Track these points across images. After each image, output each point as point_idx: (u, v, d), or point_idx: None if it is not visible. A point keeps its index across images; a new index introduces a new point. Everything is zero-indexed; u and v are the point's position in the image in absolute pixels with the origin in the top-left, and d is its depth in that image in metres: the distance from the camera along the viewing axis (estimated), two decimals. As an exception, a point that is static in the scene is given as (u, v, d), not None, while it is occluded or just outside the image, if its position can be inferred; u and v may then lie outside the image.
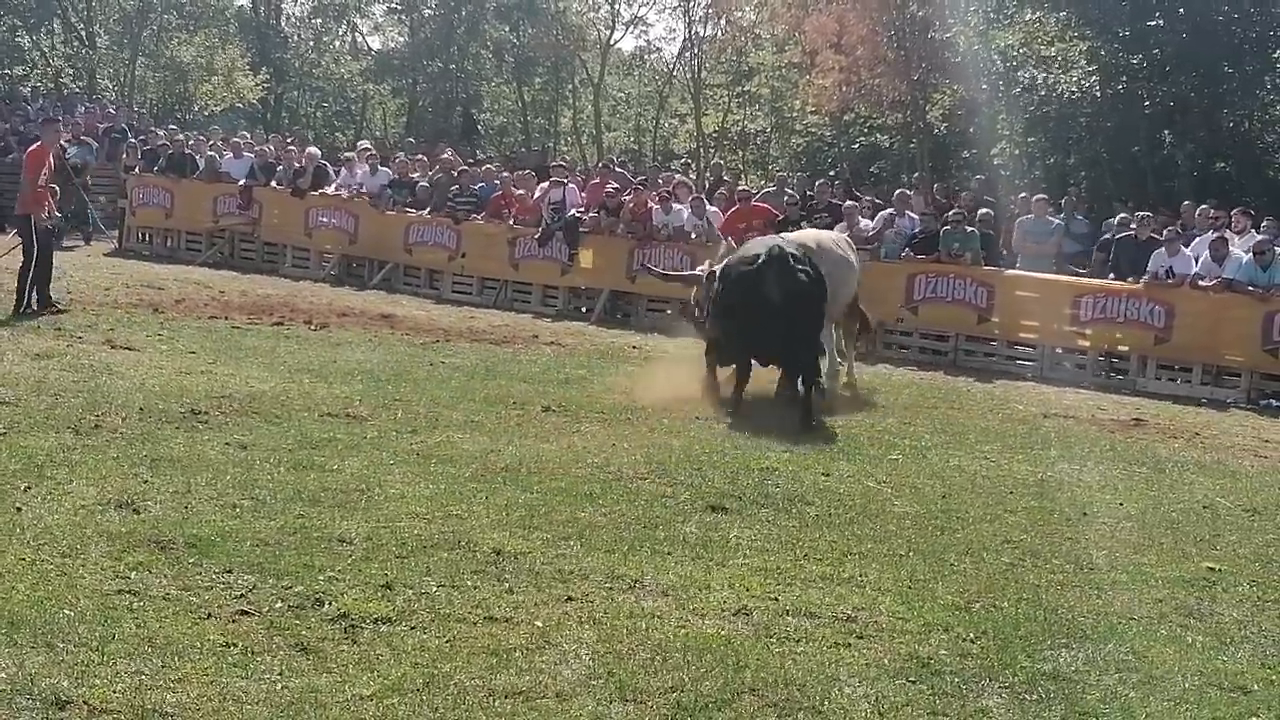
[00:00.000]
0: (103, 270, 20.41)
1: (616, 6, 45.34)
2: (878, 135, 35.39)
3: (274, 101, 44.48)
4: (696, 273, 14.23)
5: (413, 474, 8.76)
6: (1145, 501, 9.81)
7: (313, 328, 15.95)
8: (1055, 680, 5.97)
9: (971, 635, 6.46)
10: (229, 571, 6.51)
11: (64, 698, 5.04)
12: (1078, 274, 17.69)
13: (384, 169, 23.22)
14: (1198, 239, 17.05)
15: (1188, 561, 8.18)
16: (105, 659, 5.41)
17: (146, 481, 8.03)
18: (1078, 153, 26.87)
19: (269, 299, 18.48)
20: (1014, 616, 6.80)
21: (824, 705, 5.53)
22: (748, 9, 40.01)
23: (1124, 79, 25.70)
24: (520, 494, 8.45)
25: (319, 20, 47.98)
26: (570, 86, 47.00)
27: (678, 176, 24.57)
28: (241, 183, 23.44)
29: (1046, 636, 6.53)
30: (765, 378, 12.83)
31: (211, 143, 25.71)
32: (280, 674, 5.43)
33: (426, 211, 21.82)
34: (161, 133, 26.99)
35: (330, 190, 22.98)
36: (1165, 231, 17.03)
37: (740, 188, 21.39)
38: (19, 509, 7.29)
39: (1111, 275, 16.95)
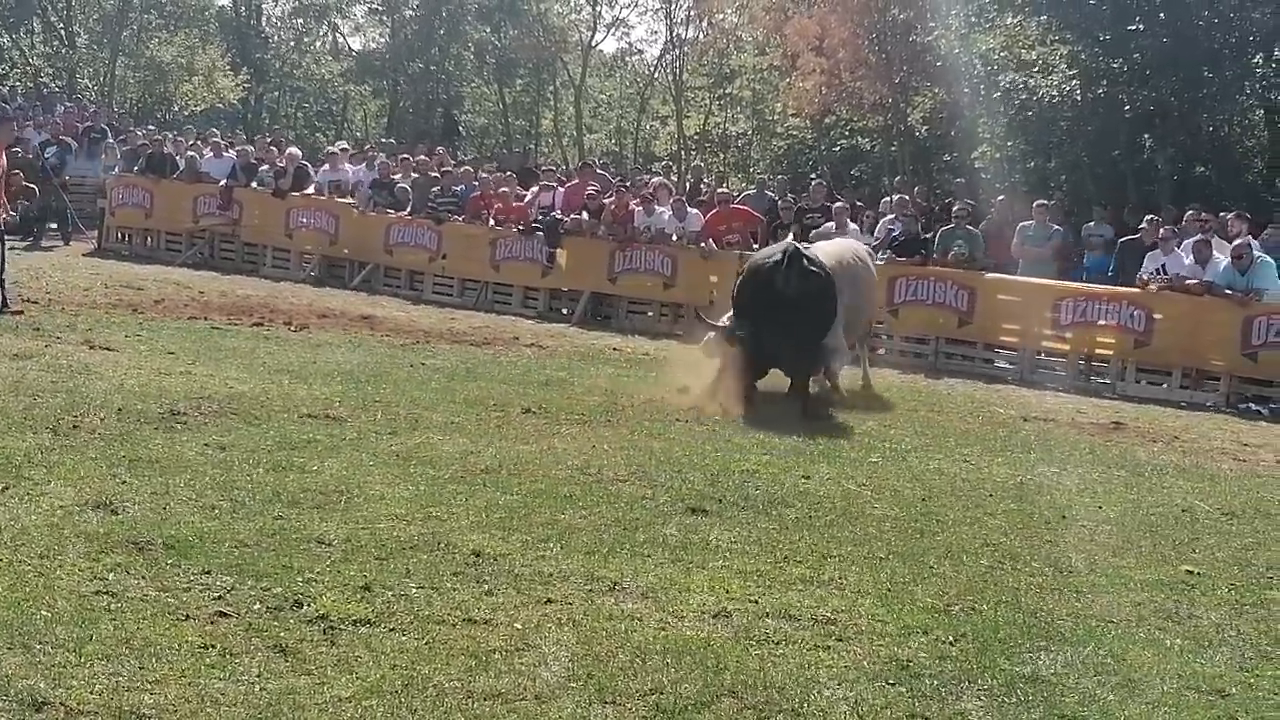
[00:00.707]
0: (82, 270, 20.35)
1: (598, 8, 45.43)
2: (859, 138, 35.47)
3: (254, 102, 44.46)
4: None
5: (392, 475, 8.74)
6: (1124, 505, 9.83)
7: (293, 329, 15.92)
8: (1034, 683, 5.97)
9: (951, 638, 6.46)
10: (207, 573, 6.48)
11: (41, 699, 5.01)
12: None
13: (367, 170, 23.24)
14: (1185, 242, 17.14)
15: (1166, 565, 8.19)
16: (82, 660, 5.38)
17: (125, 482, 7.99)
18: (1058, 156, 26.90)
19: (249, 300, 18.44)
20: (993, 619, 6.81)
21: (803, 707, 5.52)
22: (729, 11, 40.07)
23: (1104, 83, 25.73)
24: (500, 496, 8.44)
25: (300, 20, 47.99)
26: (551, 88, 47.08)
27: (659, 178, 24.62)
28: (222, 183, 23.40)
29: (1025, 639, 6.53)
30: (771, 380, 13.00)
31: (191, 143, 25.67)
32: (258, 675, 5.40)
33: (407, 213, 21.82)
34: (141, 133, 26.95)
35: (314, 185, 22.96)
36: (1161, 231, 17.10)
37: (720, 190, 21.44)
38: (-4, 510, 7.26)
39: (1118, 279, 17.05)
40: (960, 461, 10.97)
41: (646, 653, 5.95)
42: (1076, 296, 16.95)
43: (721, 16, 40.53)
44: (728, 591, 6.89)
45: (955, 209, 18.93)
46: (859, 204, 20.78)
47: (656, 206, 20.02)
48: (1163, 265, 16.54)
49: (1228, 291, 15.83)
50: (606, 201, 20.52)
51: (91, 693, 5.11)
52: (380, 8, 46.98)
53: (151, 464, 8.46)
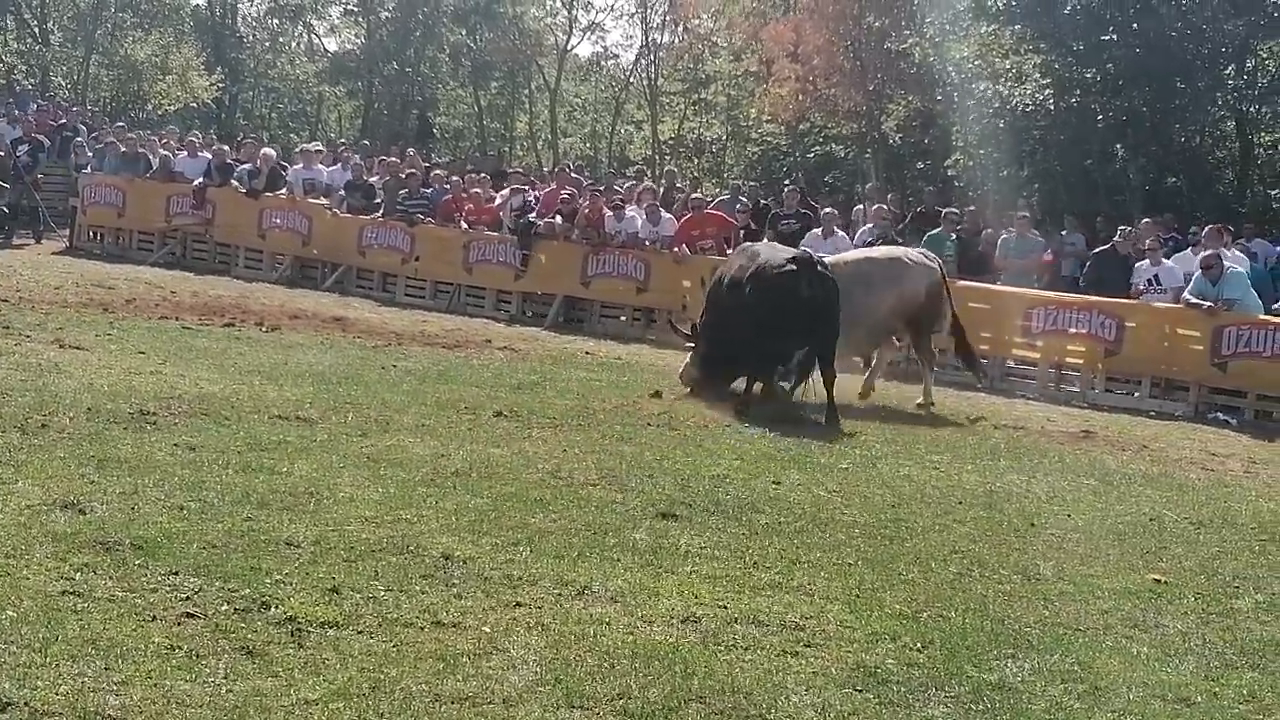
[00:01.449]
0: (53, 269, 20.25)
1: (574, 12, 45.44)
2: (833, 145, 35.60)
3: (229, 102, 44.32)
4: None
5: (362, 478, 8.72)
6: (1093, 513, 9.87)
7: (264, 329, 15.86)
8: (1001, 690, 6.00)
9: (919, 644, 6.48)
10: (175, 574, 6.46)
11: (6, 699, 4.98)
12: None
13: (341, 170, 23.21)
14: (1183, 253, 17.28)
15: (1134, 573, 8.23)
16: (48, 660, 5.35)
17: (93, 482, 7.95)
18: (1031, 165, 27.05)
19: (221, 300, 18.38)
20: (961, 626, 6.83)
21: (771, 713, 5.53)
22: (705, 16, 40.15)
23: (1077, 92, 25.90)
24: (470, 499, 8.43)
25: (275, 21, 47.92)
26: (527, 91, 47.06)
27: (645, 182, 24.60)
28: (196, 183, 23.31)
29: (993, 646, 6.55)
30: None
31: (164, 141, 25.57)
32: (225, 677, 5.39)
33: (379, 215, 21.78)
34: (111, 131, 26.84)
35: (288, 185, 22.90)
36: (1148, 241, 17.17)
37: (694, 195, 21.47)
38: (-37, 509, 7.22)
39: (1089, 288, 17.14)
40: (930, 469, 11.00)
41: (615, 657, 5.95)
42: (1048, 305, 17.01)
43: (697, 22, 40.64)
44: (697, 596, 6.89)
45: (944, 213, 19.01)
46: (833, 210, 20.82)
47: (628, 211, 20.02)
48: (1155, 276, 16.61)
49: (1196, 301, 15.90)
50: (580, 205, 20.52)
51: (57, 693, 5.08)
52: (355, 9, 46.92)
53: (120, 464, 8.42)
